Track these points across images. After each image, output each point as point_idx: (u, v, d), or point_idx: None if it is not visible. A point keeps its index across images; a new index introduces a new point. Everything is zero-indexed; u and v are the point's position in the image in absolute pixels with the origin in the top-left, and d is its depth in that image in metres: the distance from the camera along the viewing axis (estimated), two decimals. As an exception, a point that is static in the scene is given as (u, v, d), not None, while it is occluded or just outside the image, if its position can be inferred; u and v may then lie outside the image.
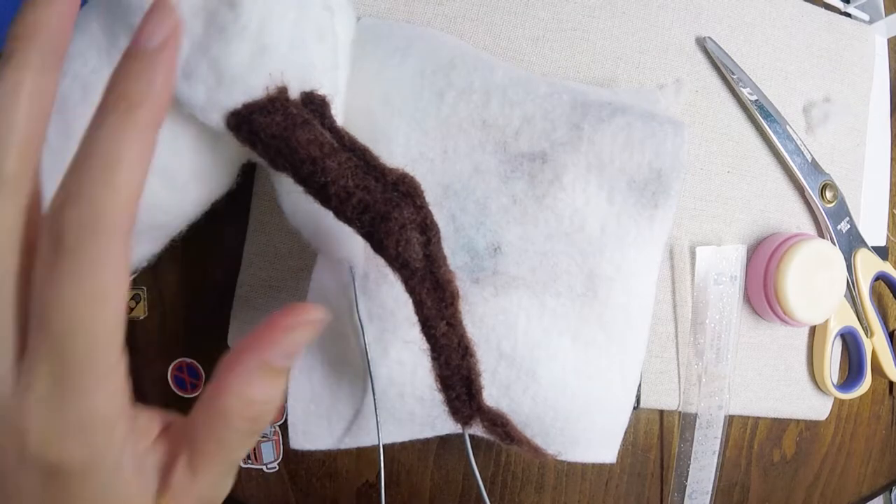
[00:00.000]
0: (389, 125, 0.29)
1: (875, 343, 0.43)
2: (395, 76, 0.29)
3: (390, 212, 0.23)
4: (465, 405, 0.27)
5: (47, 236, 0.17)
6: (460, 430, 0.32)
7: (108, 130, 0.18)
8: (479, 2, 0.38)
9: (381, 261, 0.27)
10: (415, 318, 0.27)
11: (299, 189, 0.25)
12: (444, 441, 0.39)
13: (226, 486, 0.21)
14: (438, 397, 0.28)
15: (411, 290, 0.25)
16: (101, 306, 0.17)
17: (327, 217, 0.25)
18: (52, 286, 0.17)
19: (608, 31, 0.40)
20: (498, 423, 0.28)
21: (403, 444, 0.33)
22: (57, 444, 0.17)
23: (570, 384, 0.30)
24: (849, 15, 0.45)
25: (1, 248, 0.18)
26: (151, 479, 0.20)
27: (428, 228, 0.25)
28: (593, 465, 0.35)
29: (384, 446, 0.30)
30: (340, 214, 0.24)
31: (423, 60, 0.30)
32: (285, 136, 0.24)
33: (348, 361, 0.29)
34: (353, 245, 0.28)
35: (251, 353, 0.20)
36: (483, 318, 0.29)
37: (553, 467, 0.40)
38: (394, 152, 0.28)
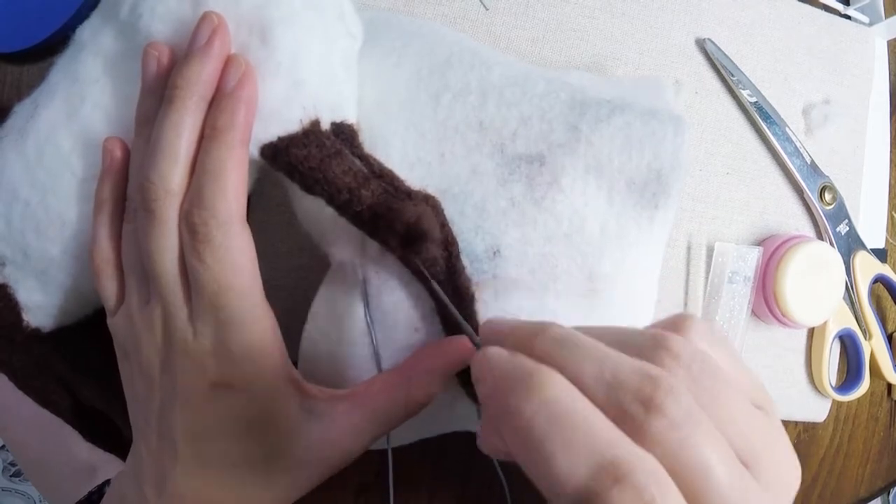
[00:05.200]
0: (387, 129, 0.29)
1: (873, 345, 0.43)
2: (392, 79, 0.29)
3: None
4: None
5: (186, 230, 0.24)
6: (465, 427, 0.33)
7: (209, 153, 0.24)
8: (479, 2, 0.38)
9: (381, 268, 0.28)
10: (416, 323, 0.29)
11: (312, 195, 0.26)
12: (442, 442, 0.39)
13: (365, 445, 0.27)
14: (442, 395, 0.28)
15: (435, 298, 0.28)
16: (234, 272, 0.24)
17: (336, 223, 0.27)
18: (198, 265, 0.23)
19: (608, 33, 0.40)
20: None
21: (402, 445, 0.33)
22: (224, 369, 0.24)
23: None
24: (848, 17, 0.45)
25: (167, 243, 0.24)
26: (305, 411, 0.26)
27: (450, 244, 0.27)
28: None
29: (388, 449, 0.30)
30: (374, 236, 0.26)
31: (419, 60, 0.30)
32: (322, 167, 0.25)
33: (355, 366, 0.29)
34: (357, 249, 0.28)
35: (443, 365, 0.27)
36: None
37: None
38: (391, 156, 0.28)
